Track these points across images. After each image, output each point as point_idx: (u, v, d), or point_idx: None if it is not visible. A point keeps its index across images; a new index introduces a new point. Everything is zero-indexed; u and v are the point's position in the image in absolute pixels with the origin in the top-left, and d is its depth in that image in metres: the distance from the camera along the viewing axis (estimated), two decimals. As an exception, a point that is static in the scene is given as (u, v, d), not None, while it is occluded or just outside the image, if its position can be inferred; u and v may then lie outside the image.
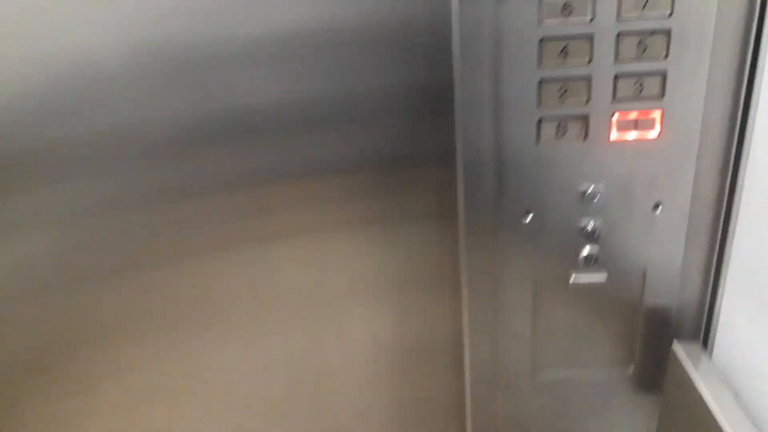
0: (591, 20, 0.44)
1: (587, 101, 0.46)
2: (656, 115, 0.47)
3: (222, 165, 0.59)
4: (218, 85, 0.55)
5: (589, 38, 0.45)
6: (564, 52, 0.45)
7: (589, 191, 0.50)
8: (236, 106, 0.56)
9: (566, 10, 0.44)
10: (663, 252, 0.52)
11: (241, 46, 0.54)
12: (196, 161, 0.59)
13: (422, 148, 0.57)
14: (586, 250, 0.52)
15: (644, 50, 0.45)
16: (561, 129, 0.47)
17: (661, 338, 0.56)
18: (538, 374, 0.59)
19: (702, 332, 0.56)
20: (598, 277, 0.53)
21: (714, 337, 0.55)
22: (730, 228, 0.51)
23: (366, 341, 0.69)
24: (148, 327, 0.68)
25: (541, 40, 0.45)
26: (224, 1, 0.51)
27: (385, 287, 0.65)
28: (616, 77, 0.46)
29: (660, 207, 0.50)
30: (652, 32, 0.44)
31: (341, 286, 0.66)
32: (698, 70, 0.46)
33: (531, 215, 0.51)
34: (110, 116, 0.56)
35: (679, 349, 0.54)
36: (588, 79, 0.46)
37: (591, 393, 0.59)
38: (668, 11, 0.44)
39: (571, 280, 0.53)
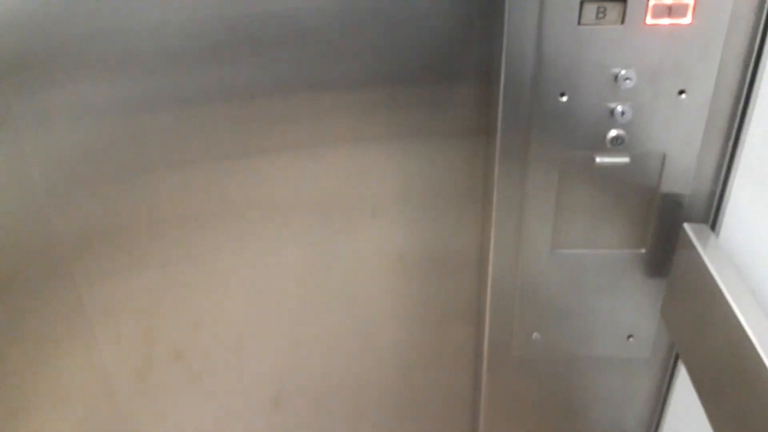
0: None
1: (628, -15, 0.50)
2: (689, 2, 0.51)
3: (256, 72, 0.62)
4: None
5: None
6: (610, -63, 0.49)
7: (621, 74, 0.54)
8: (271, 11, 0.58)
9: None
10: (683, 137, 0.57)
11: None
12: (231, 66, 0.61)
13: (462, 64, 0.61)
14: (613, 132, 0.57)
15: (685, -63, 0.48)
16: (601, 11, 0.52)
17: (673, 222, 0.61)
18: (557, 251, 0.64)
19: (711, 217, 0.61)
20: (622, 158, 0.58)
21: (722, 220, 0.60)
22: (747, 117, 0.56)
23: (392, 248, 0.73)
24: (178, 224, 0.72)
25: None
26: None
27: (412, 199, 0.69)
28: (656, -37, 0.50)
29: (684, 93, 0.55)
30: None
31: (370, 196, 0.70)
32: (732, -39, 0.50)
33: (566, 97, 0.56)
34: (149, 14, 0.59)
35: (688, 229, 0.60)
36: (630, -36, 0.50)
37: (604, 271, 0.65)
38: None
39: (597, 161, 0.58)
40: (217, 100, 0.64)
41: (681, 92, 0.55)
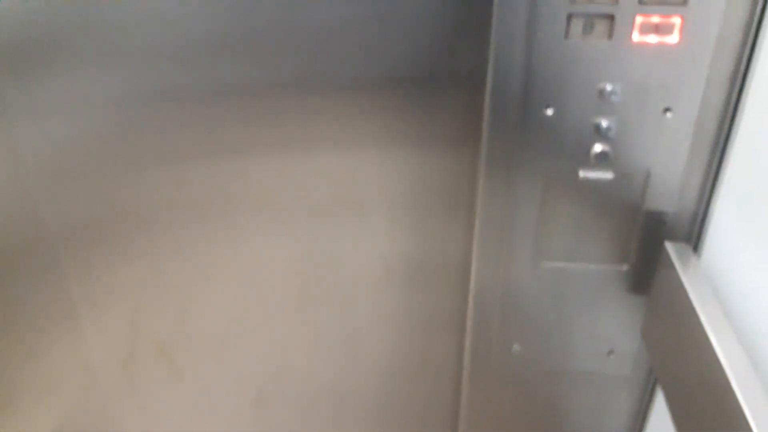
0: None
1: (615, 1, 0.51)
2: (677, 21, 0.51)
3: (248, 70, 0.62)
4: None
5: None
6: (599, -47, 0.49)
7: (607, 90, 0.54)
8: (263, 13, 0.59)
9: None
10: (668, 156, 0.57)
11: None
12: (224, 64, 0.62)
13: (454, 72, 0.61)
14: (598, 147, 0.57)
15: (673, -44, 0.49)
16: (588, 26, 0.52)
17: (655, 240, 0.61)
18: (539, 264, 0.64)
19: (694, 237, 0.61)
20: (605, 174, 0.58)
21: (704, 240, 0.60)
22: (732, 138, 0.56)
23: (377, 253, 0.73)
24: (167, 220, 0.73)
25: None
26: None
27: (400, 204, 0.69)
28: (644, -20, 0.50)
29: (670, 111, 0.55)
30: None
31: (358, 199, 0.70)
32: (721, -18, 0.50)
33: (551, 110, 0.56)
34: (146, 7, 0.59)
35: (670, 248, 0.60)
36: (618, -20, 0.50)
37: (586, 286, 0.65)
38: None
39: (580, 175, 0.58)
40: (209, 97, 0.64)
41: (666, 110, 0.55)
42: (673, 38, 0.52)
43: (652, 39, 0.52)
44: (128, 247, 0.75)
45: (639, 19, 0.51)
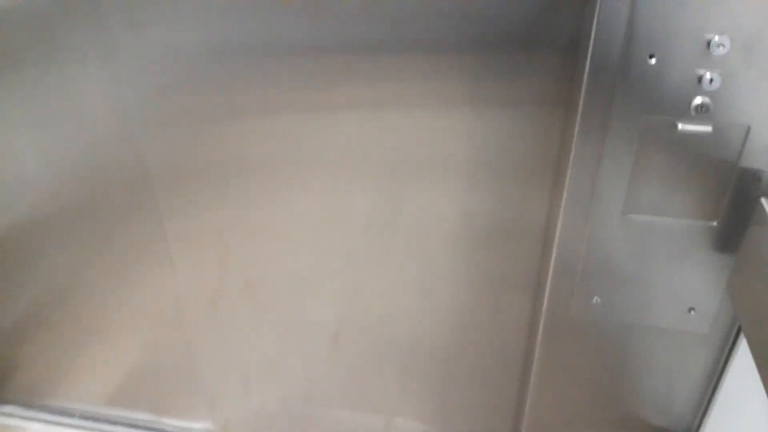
0: None
1: (732, -52, 0.50)
2: (795, -29, 0.50)
3: (348, 30, 0.64)
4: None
5: None
6: None
7: (714, 40, 0.54)
8: None
9: None
10: (771, 111, 0.57)
11: None
12: (321, 23, 0.64)
13: (547, 31, 0.61)
14: (698, 99, 0.57)
15: None
16: (701, -26, 0.52)
17: (749, 196, 0.61)
18: (627, 216, 0.65)
19: (791, 195, 0.61)
20: (705, 127, 0.58)
21: (801, 199, 0.60)
22: (840, 95, 0.55)
23: (458, 208, 0.75)
24: (259, 167, 0.76)
25: None
26: None
27: (483, 162, 0.71)
28: (764, -72, 0.49)
29: (778, 65, 0.55)
30: None
31: (442, 155, 0.71)
32: None
33: (654, 59, 0.56)
34: None
35: (766, 204, 0.60)
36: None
37: (673, 240, 0.65)
38: None
39: (679, 128, 0.59)
40: (306, 53, 0.67)
41: (775, 64, 0.55)
42: (789, -11, 0.51)
43: (767, -11, 0.51)
44: (221, 190, 0.79)
45: (755, -32, 0.51)
